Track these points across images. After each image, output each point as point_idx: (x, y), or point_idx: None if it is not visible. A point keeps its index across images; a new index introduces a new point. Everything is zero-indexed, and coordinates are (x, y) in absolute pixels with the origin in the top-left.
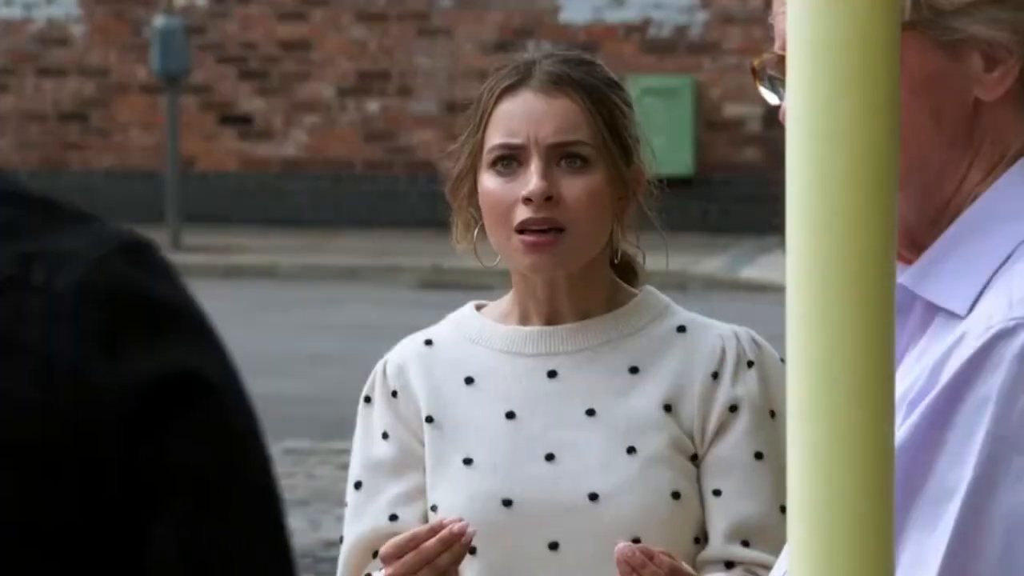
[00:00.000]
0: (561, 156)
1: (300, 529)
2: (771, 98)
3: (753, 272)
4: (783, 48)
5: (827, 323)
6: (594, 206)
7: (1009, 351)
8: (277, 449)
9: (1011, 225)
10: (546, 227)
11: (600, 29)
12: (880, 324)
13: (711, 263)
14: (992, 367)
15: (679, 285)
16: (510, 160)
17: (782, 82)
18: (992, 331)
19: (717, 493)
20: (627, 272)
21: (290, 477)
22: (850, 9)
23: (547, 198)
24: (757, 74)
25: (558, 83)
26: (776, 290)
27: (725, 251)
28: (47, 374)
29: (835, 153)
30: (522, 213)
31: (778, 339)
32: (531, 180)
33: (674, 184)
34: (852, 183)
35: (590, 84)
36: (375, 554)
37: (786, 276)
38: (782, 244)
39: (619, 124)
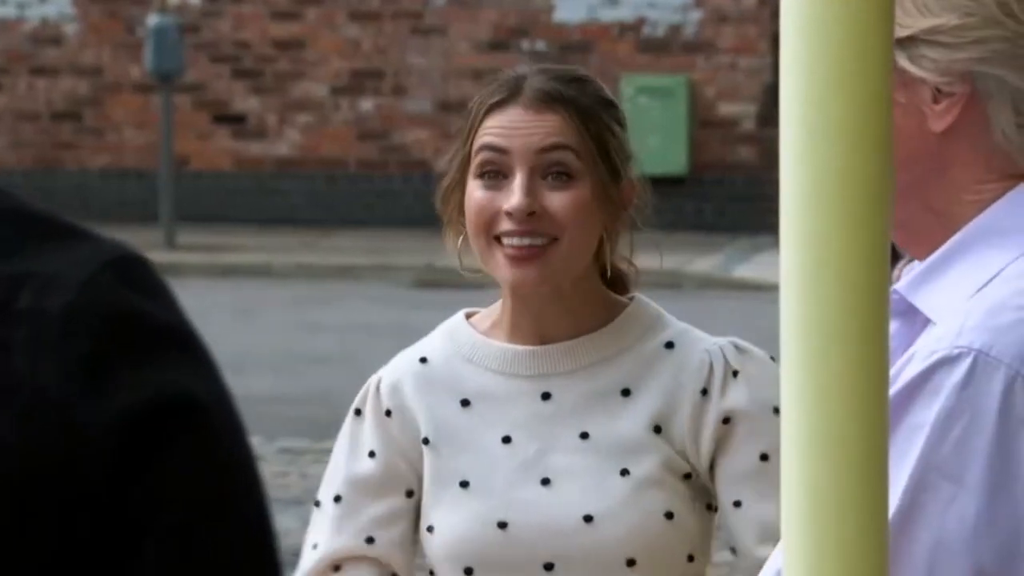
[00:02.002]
0: (547, 170)
1: (293, 528)
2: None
3: (747, 271)
4: None
5: (821, 322)
6: (579, 218)
7: (949, 379)
8: (271, 448)
9: (1008, 243)
10: (528, 240)
11: (594, 28)
12: (874, 322)
13: (705, 262)
14: (931, 393)
15: (673, 284)
16: (496, 172)
17: None
18: (936, 356)
19: (738, 504)
20: (616, 280)
21: (284, 476)
22: (844, 8)
23: (530, 213)
24: None
25: (547, 100)
26: (770, 289)
27: (719, 250)
28: (33, 407)
29: (829, 152)
30: (505, 225)
31: (773, 338)
32: (514, 195)
33: (668, 183)
34: (846, 182)
35: (580, 102)
36: (336, 568)
37: (780, 275)
38: (776, 243)
39: (607, 142)
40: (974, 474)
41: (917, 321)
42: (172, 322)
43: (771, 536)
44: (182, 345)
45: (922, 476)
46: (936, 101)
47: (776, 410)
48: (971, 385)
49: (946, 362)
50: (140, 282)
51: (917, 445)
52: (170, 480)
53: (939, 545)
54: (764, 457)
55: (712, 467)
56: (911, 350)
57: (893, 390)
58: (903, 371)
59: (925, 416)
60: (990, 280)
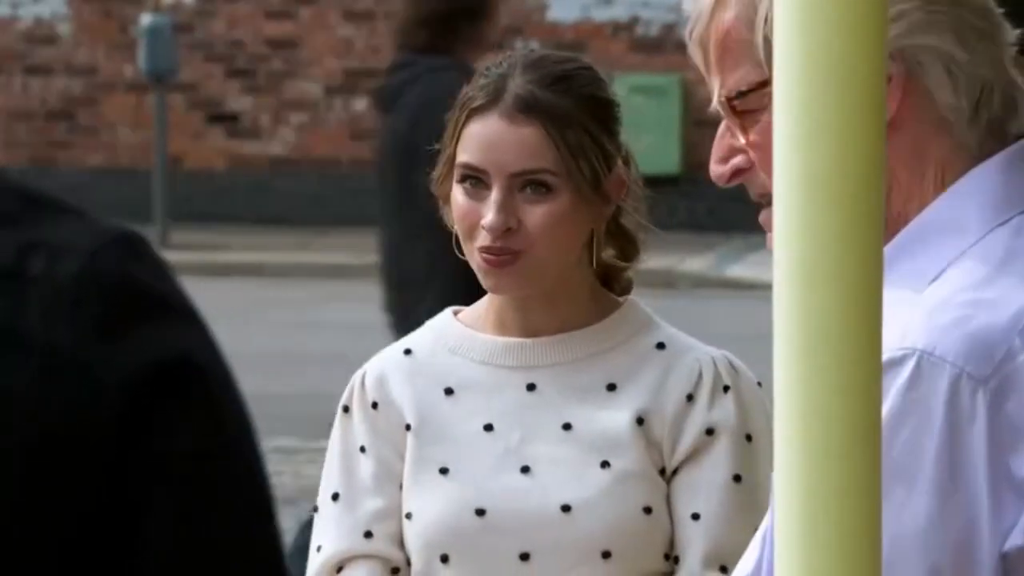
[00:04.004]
0: (524, 183)
1: (287, 528)
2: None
3: (740, 270)
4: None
5: (814, 321)
6: (555, 231)
7: (895, 382)
8: (265, 448)
9: (950, 241)
10: (500, 243)
11: (588, 27)
12: (867, 322)
13: (698, 261)
14: None
15: (666, 284)
16: (477, 180)
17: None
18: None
19: (696, 517)
20: (614, 278)
21: (277, 476)
22: (837, 7)
23: (506, 229)
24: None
25: (524, 110)
26: (763, 288)
27: (712, 249)
28: (49, 366)
29: (822, 151)
30: (483, 238)
31: (765, 337)
32: (490, 212)
33: (661, 182)
34: (838, 181)
35: (558, 110)
36: (339, 569)
37: (773, 274)
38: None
39: (586, 149)
40: (925, 475)
41: None
42: (175, 294)
43: (721, 560)
44: (184, 315)
45: None
46: None
47: (749, 437)
48: (917, 386)
49: (892, 364)
50: (144, 257)
51: None
52: (182, 426)
53: (894, 547)
54: (736, 478)
55: (676, 473)
56: None
57: None
58: None
59: None
60: (934, 280)
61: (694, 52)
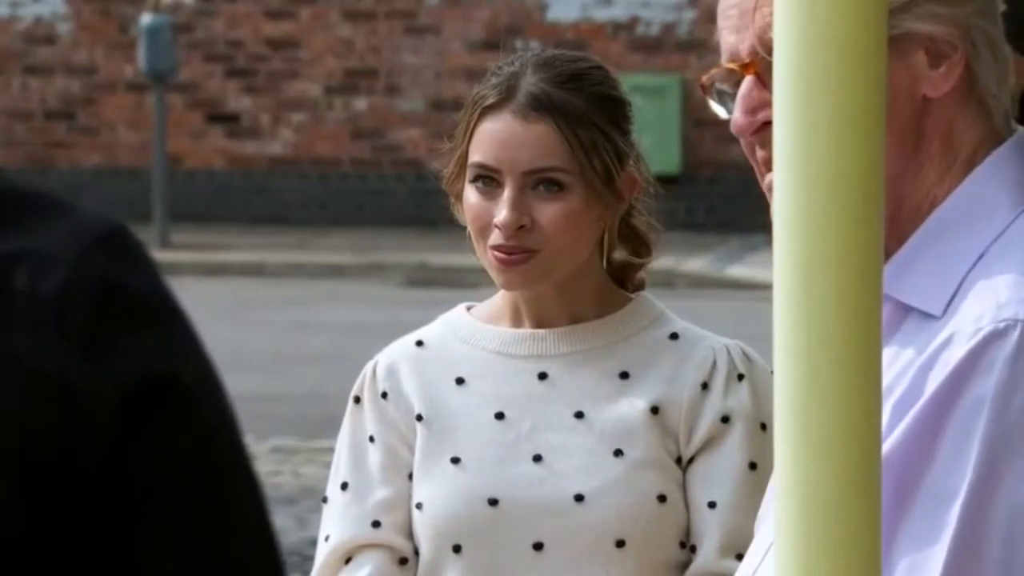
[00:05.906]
0: (537, 181)
1: (286, 528)
2: (721, 112)
3: (740, 270)
4: (730, 60)
5: (814, 321)
6: (569, 228)
7: (1001, 352)
8: (263, 447)
9: (981, 224)
10: (514, 241)
11: (587, 27)
12: (866, 321)
13: (698, 261)
14: (985, 369)
15: (666, 283)
16: (489, 179)
17: (731, 96)
18: (983, 333)
19: (712, 505)
20: (627, 278)
21: (276, 475)
22: (836, 7)
23: (519, 227)
24: (707, 89)
25: (537, 108)
26: (763, 288)
27: (712, 249)
28: (34, 385)
29: (821, 150)
30: (496, 237)
31: (765, 337)
32: (503, 210)
33: (661, 182)
34: (838, 180)
35: (571, 108)
36: (347, 559)
37: (773, 274)
38: (769, 242)
39: (599, 147)
40: None
41: (886, 310)
42: (158, 294)
43: (737, 548)
44: (167, 319)
45: (992, 448)
46: (935, 65)
47: (764, 426)
48: None
49: (996, 336)
50: (125, 255)
51: (981, 420)
52: (169, 443)
53: (1015, 518)
54: (752, 466)
55: (692, 461)
56: (945, 333)
57: (942, 375)
58: (941, 355)
59: (983, 390)
60: (977, 260)
61: (736, 4)
